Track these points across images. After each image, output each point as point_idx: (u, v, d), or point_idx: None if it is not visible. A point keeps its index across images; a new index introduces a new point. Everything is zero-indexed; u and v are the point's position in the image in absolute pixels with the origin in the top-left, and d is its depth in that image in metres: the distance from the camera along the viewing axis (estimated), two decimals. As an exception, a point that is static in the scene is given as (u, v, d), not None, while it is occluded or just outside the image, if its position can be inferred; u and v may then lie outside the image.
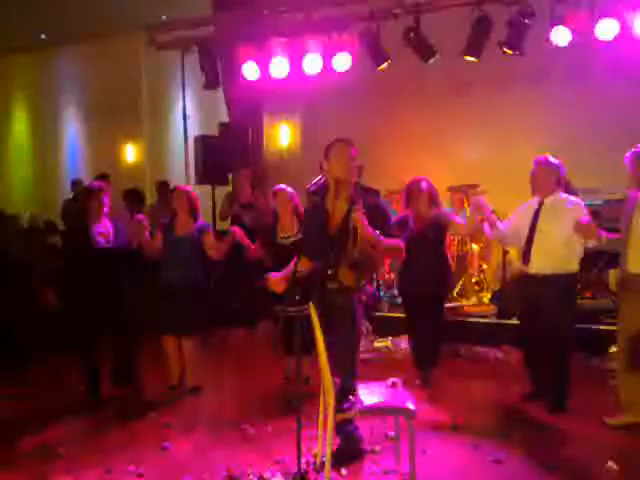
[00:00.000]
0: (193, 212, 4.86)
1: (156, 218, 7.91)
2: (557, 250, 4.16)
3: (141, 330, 5.10)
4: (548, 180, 4.23)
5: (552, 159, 4.28)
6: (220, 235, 5.24)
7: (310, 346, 4.55)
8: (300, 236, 4.72)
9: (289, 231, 4.83)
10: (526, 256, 4.26)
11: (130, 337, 4.98)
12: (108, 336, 4.87)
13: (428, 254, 4.62)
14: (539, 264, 4.20)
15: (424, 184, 4.73)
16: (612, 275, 5.60)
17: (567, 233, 4.11)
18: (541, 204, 4.27)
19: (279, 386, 4.84)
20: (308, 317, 4.48)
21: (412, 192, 4.74)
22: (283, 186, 4.95)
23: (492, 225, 4.45)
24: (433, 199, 4.73)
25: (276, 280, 3.55)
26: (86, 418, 4.51)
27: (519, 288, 4.64)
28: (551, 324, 4.17)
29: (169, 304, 4.69)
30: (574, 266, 4.23)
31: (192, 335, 4.81)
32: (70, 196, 8.79)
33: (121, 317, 4.81)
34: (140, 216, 4.89)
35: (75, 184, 8.78)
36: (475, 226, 4.72)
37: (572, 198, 4.31)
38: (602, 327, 5.50)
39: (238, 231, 4.89)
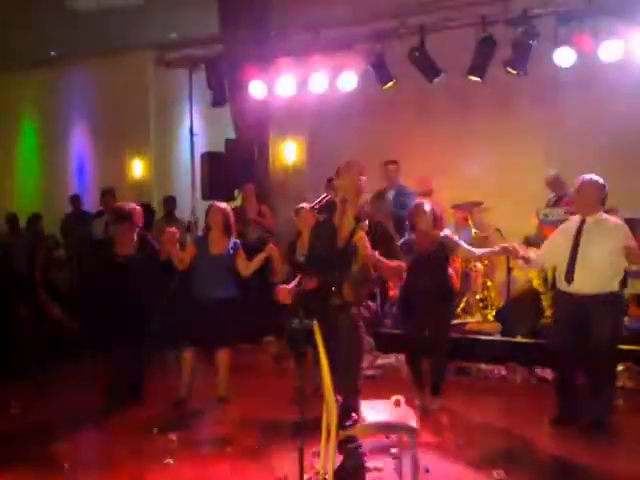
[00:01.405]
0: (227, 229, 4.87)
1: (162, 233, 8.02)
2: (601, 270, 4.12)
3: (160, 344, 5.13)
4: (592, 199, 4.18)
5: (597, 178, 4.22)
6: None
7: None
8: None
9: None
10: (569, 275, 4.19)
11: (146, 352, 5.03)
12: (123, 349, 4.90)
13: (432, 275, 4.64)
14: (583, 284, 4.15)
15: (427, 206, 4.78)
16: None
17: (610, 253, 4.07)
18: (583, 222, 4.21)
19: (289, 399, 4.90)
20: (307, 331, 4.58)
21: (415, 214, 4.78)
22: (305, 205, 5.01)
23: (526, 261, 4.46)
24: (436, 221, 4.77)
25: (285, 292, 3.62)
26: (91, 432, 4.52)
27: (559, 307, 4.52)
28: (598, 342, 4.12)
29: (201, 318, 4.72)
30: (615, 286, 4.18)
31: (228, 347, 4.88)
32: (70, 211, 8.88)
33: (140, 331, 4.87)
34: (172, 229, 4.92)
35: (73, 199, 8.88)
36: (488, 255, 4.75)
37: (613, 218, 4.27)
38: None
39: (275, 250, 4.85)
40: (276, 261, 4.86)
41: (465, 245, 4.85)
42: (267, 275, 5.37)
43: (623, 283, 5.53)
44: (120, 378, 4.91)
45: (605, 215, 4.25)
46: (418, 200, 4.97)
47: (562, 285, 4.29)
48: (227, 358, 4.89)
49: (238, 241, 4.97)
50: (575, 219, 4.31)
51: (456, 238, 4.87)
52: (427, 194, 6.82)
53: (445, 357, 4.87)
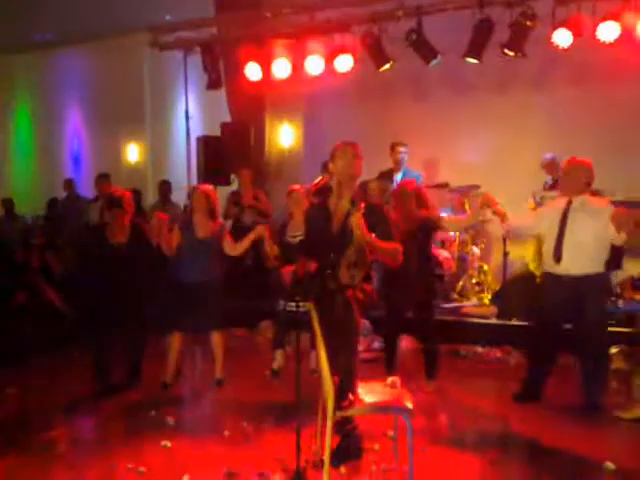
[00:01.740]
0: (211, 212, 4.86)
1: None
2: (587, 250, 4.18)
3: (153, 328, 5.15)
4: (578, 180, 4.24)
5: (584, 160, 4.28)
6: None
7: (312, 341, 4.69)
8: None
9: (299, 230, 4.87)
10: (557, 255, 4.25)
11: (144, 335, 5.06)
12: (122, 333, 4.94)
13: (416, 255, 4.59)
14: (571, 264, 4.21)
15: (410, 186, 4.79)
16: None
17: (596, 234, 4.14)
18: (569, 204, 4.27)
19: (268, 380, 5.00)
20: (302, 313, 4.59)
21: (399, 194, 4.79)
22: (298, 186, 5.02)
23: (503, 218, 4.48)
24: (421, 200, 4.77)
25: (289, 272, 3.65)
26: (88, 416, 4.54)
27: (547, 290, 4.54)
28: (588, 325, 4.20)
29: (187, 302, 4.74)
30: (602, 267, 4.24)
31: (220, 329, 4.90)
32: (65, 195, 8.85)
33: (138, 315, 4.90)
34: (162, 214, 4.93)
35: (67, 184, 8.84)
36: (473, 219, 4.80)
37: (598, 200, 4.32)
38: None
39: (264, 231, 4.83)
40: (266, 242, 4.84)
41: (447, 217, 4.87)
42: (264, 259, 5.37)
43: (618, 265, 5.62)
44: (105, 361, 4.92)
45: (590, 197, 4.31)
46: (404, 180, 5.00)
47: (550, 267, 4.34)
48: (221, 340, 4.92)
49: (224, 223, 4.97)
50: (562, 200, 4.34)
51: (440, 213, 4.90)
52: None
53: (435, 339, 4.90)
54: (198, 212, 4.87)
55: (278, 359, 5.14)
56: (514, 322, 5.99)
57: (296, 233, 4.90)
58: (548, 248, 4.34)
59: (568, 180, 4.32)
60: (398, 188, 4.92)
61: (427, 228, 4.73)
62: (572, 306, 4.24)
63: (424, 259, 4.74)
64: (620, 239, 4.08)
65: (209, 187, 5.05)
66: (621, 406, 4.17)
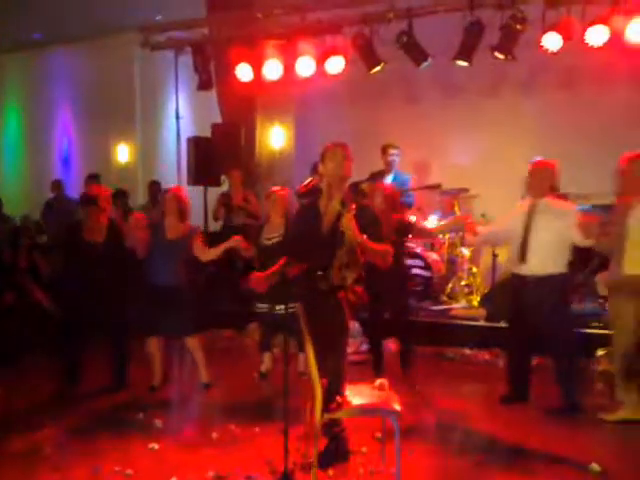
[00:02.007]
0: (182, 214, 4.82)
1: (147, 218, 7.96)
2: (551, 251, 4.26)
3: (135, 330, 5.10)
4: (543, 183, 4.34)
5: (549, 163, 4.41)
6: (212, 236, 5.28)
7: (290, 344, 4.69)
8: (282, 238, 4.81)
9: (275, 232, 4.92)
10: (522, 256, 4.33)
11: (126, 337, 5.01)
12: (104, 334, 4.92)
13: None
14: (536, 264, 4.29)
15: (384, 189, 4.82)
16: (600, 279, 5.68)
17: (559, 235, 4.23)
18: (534, 205, 4.35)
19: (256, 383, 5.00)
20: (287, 316, 4.57)
21: (370, 196, 4.83)
22: (278, 187, 5.01)
23: (474, 233, 4.61)
24: (395, 205, 4.80)
25: (258, 279, 3.62)
26: (74, 418, 4.51)
27: (510, 290, 4.67)
28: (552, 325, 4.28)
29: (158, 306, 4.70)
30: (564, 267, 4.33)
31: (194, 334, 4.85)
32: (52, 196, 8.79)
33: (118, 316, 4.87)
34: (138, 215, 4.88)
35: (55, 184, 8.78)
36: (442, 230, 4.99)
37: (562, 202, 4.42)
38: (590, 330, 5.56)
39: (241, 240, 4.80)
40: (242, 251, 4.84)
41: (421, 223, 4.92)
42: (250, 262, 5.37)
43: (606, 267, 5.65)
44: (73, 362, 4.88)
45: (553, 198, 4.41)
46: (378, 183, 5.04)
47: (516, 268, 4.42)
48: (197, 344, 4.86)
49: (195, 226, 4.93)
50: (526, 202, 4.44)
51: (414, 219, 4.98)
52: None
53: (409, 340, 4.99)
54: (169, 214, 4.82)
55: (266, 362, 5.13)
56: (503, 324, 6.00)
57: (272, 235, 4.92)
58: (514, 249, 4.42)
59: (533, 182, 4.41)
60: (371, 192, 4.97)
61: (401, 232, 4.79)
62: (537, 306, 4.30)
63: (398, 262, 4.78)
64: (586, 243, 4.17)
65: (181, 189, 5.02)
66: (605, 408, 4.18)
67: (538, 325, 4.32)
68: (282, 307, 4.75)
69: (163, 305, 4.68)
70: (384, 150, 6.89)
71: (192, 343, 4.86)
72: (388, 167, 6.86)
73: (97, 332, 4.88)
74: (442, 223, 5.29)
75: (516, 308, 4.52)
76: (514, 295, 4.54)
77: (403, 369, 4.90)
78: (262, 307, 5.01)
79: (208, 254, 4.90)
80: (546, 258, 4.27)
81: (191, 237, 4.84)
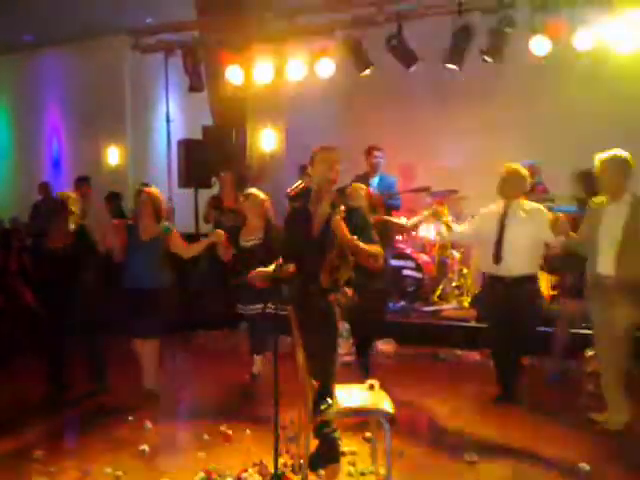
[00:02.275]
0: (156, 215, 4.76)
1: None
2: (525, 252, 4.40)
3: (108, 331, 5.07)
4: (516, 186, 4.49)
5: (521, 167, 4.55)
6: (197, 238, 5.28)
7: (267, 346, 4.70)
8: (261, 241, 4.83)
9: (252, 235, 4.91)
10: (497, 257, 4.46)
11: (98, 339, 4.95)
12: (80, 337, 4.86)
13: None
14: (509, 265, 4.42)
15: (362, 192, 4.85)
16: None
17: (531, 236, 4.37)
18: (507, 208, 4.49)
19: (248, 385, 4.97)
20: (268, 317, 4.51)
21: (349, 198, 4.87)
22: (255, 190, 4.98)
23: (448, 228, 4.73)
24: (373, 206, 4.88)
25: (259, 276, 3.64)
26: (63, 420, 4.50)
27: (488, 291, 4.81)
28: (523, 322, 4.42)
29: (133, 307, 4.64)
30: (536, 268, 4.52)
31: (153, 338, 4.74)
32: (40, 199, 8.72)
33: (91, 318, 4.81)
34: (116, 221, 4.87)
35: (43, 187, 8.72)
36: (416, 223, 5.08)
37: (533, 203, 4.55)
38: (579, 331, 5.60)
39: (220, 235, 4.79)
40: (220, 247, 4.81)
41: (394, 219, 4.96)
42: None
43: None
44: (56, 365, 4.84)
45: (527, 201, 4.55)
46: (355, 184, 5.07)
47: (489, 268, 4.56)
48: (150, 349, 4.76)
49: (170, 225, 4.86)
50: (499, 204, 4.57)
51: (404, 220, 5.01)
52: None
53: (372, 338, 5.16)
54: (144, 215, 4.77)
55: (257, 364, 5.11)
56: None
57: (249, 238, 4.91)
58: (487, 250, 4.53)
59: (506, 185, 4.53)
60: (349, 195, 5.00)
61: (382, 233, 4.84)
62: (510, 306, 4.42)
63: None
64: (557, 242, 4.28)
65: (155, 190, 4.94)
66: (595, 409, 4.21)
67: (513, 324, 4.45)
68: (257, 307, 4.80)
69: (137, 307, 4.61)
70: (368, 152, 6.83)
71: (148, 347, 4.74)
72: (372, 169, 6.82)
73: (73, 334, 4.82)
74: (415, 219, 5.35)
75: (493, 308, 4.65)
76: (490, 296, 4.70)
77: (361, 367, 4.92)
78: (243, 309, 4.98)
79: (189, 250, 4.86)
80: (520, 259, 4.40)
81: (167, 236, 4.76)
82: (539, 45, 6.01)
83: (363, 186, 4.79)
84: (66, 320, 4.73)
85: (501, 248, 4.43)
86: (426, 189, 6.93)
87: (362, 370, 4.83)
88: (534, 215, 4.41)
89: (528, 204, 4.52)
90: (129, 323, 4.70)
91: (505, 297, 4.45)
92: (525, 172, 4.56)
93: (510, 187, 4.50)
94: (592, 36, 5.81)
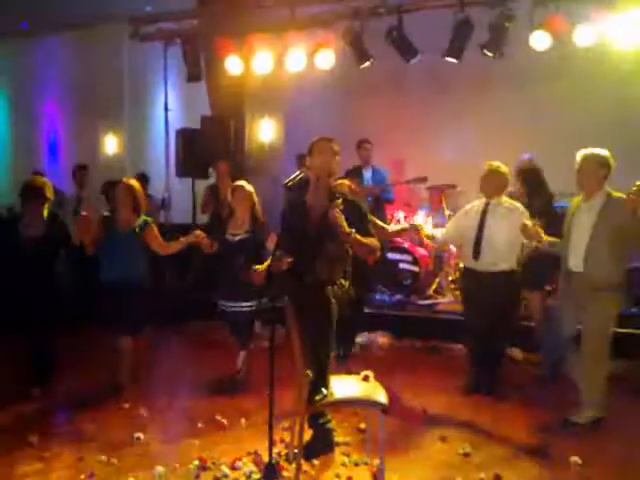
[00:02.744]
0: (136, 207, 4.67)
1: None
2: (503, 248, 4.52)
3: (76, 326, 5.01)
4: (497, 185, 4.60)
5: (502, 166, 4.64)
6: (200, 229, 5.23)
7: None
8: (249, 235, 4.76)
9: (240, 229, 4.80)
10: (476, 252, 4.58)
11: (49, 334, 4.69)
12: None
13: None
14: (488, 260, 4.54)
15: (345, 187, 4.84)
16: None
17: (509, 233, 4.47)
18: (487, 205, 4.62)
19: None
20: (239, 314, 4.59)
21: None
22: (243, 183, 4.89)
23: (431, 239, 4.87)
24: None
25: (258, 272, 3.62)
26: (59, 408, 4.51)
27: (466, 285, 4.91)
28: (499, 317, 4.54)
29: (109, 302, 4.56)
30: (514, 263, 4.58)
31: (130, 335, 4.67)
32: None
33: (47, 316, 4.59)
34: (85, 213, 4.70)
35: (35, 175, 8.67)
36: (395, 235, 5.13)
37: (514, 202, 4.63)
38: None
39: (202, 236, 4.69)
40: (203, 247, 4.72)
41: (379, 222, 4.98)
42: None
43: None
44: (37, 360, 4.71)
45: (506, 198, 4.66)
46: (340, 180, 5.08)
47: (469, 262, 4.69)
48: (126, 346, 4.66)
49: (149, 219, 4.76)
50: (480, 202, 4.69)
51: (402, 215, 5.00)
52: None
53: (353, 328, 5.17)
54: (122, 207, 4.66)
55: (241, 356, 4.94)
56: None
57: (237, 232, 4.78)
58: (468, 245, 4.65)
59: (487, 183, 4.63)
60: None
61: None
62: (488, 300, 4.53)
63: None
64: (536, 245, 4.28)
65: (135, 182, 4.83)
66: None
67: (489, 317, 4.56)
68: (238, 305, 4.75)
69: (115, 300, 4.52)
70: (360, 145, 6.81)
71: (125, 343, 4.65)
72: (365, 162, 6.83)
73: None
74: (398, 227, 5.41)
75: (471, 302, 4.76)
76: (468, 289, 4.82)
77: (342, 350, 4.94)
78: (225, 305, 4.85)
79: (167, 248, 4.78)
80: (498, 255, 4.51)
81: (145, 230, 4.68)
82: (539, 40, 6.00)
83: (346, 181, 4.76)
84: (33, 317, 4.54)
85: (480, 244, 4.55)
86: (423, 180, 6.93)
87: (340, 360, 4.84)
88: (512, 213, 4.52)
89: (508, 202, 4.62)
90: (108, 317, 4.57)
91: (482, 291, 4.55)
92: (506, 170, 4.66)
93: (490, 185, 4.61)
94: (593, 32, 5.80)
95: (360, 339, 6.00)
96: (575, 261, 4.01)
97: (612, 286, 3.94)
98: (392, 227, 5.26)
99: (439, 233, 4.92)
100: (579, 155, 4.08)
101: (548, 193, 5.27)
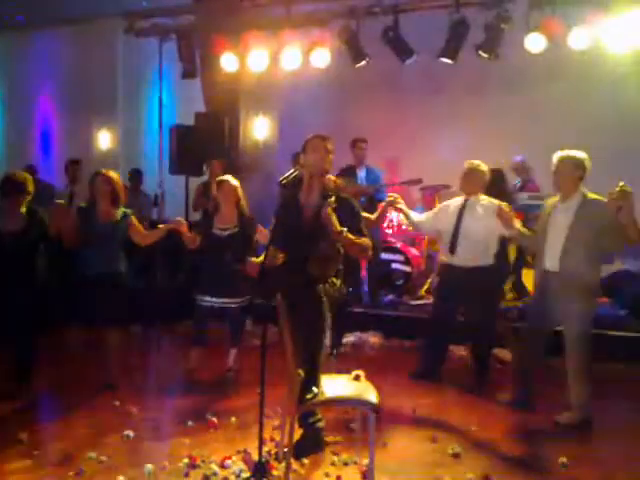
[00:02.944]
0: (115, 199, 4.58)
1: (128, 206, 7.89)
2: (479, 244, 4.67)
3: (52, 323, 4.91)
4: (475, 183, 4.75)
5: (481, 165, 4.78)
6: (192, 226, 5.21)
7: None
8: (237, 230, 4.75)
9: (228, 223, 4.78)
10: (452, 247, 4.74)
11: (29, 330, 4.55)
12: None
13: None
14: (464, 256, 4.69)
15: (331, 184, 4.84)
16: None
17: (485, 229, 4.63)
18: (466, 201, 4.77)
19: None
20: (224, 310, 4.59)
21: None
22: (228, 177, 4.87)
23: (406, 215, 4.94)
24: None
25: (253, 265, 3.67)
26: (49, 405, 4.48)
27: (442, 278, 5.07)
28: (477, 312, 4.71)
29: (91, 298, 4.50)
30: (491, 259, 4.73)
31: (111, 329, 4.64)
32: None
33: (25, 315, 4.47)
34: (61, 201, 4.61)
35: (28, 170, 8.60)
36: (377, 219, 5.08)
37: (492, 200, 4.72)
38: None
39: (182, 223, 4.68)
40: (184, 236, 4.69)
41: (366, 214, 4.98)
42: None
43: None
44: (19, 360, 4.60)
45: (484, 197, 4.79)
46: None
47: (447, 258, 4.86)
48: (114, 341, 4.64)
49: (128, 211, 4.69)
50: (459, 198, 4.85)
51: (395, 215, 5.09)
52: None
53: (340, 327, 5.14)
54: (101, 199, 4.57)
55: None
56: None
57: (226, 226, 4.76)
58: (445, 241, 4.82)
59: (466, 181, 4.78)
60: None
61: None
62: (464, 295, 4.70)
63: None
64: (509, 233, 4.42)
65: (114, 173, 4.71)
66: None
67: (464, 312, 4.74)
68: (228, 301, 4.74)
69: (97, 295, 4.47)
70: (355, 144, 6.76)
71: (112, 338, 4.63)
72: (359, 161, 6.80)
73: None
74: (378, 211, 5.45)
75: (443, 294, 4.92)
76: (442, 283, 5.00)
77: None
78: (205, 299, 4.80)
79: (147, 238, 4.73)
80: (474, 250, 4.66)
81: (125, 222, 4.62)
82: (534, 42, 6.01)
83: (332, 177, 4.77)
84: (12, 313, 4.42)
85: (457, 239, 4.70)
86: (418, 181, 6.93)
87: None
88: (488, 210, 4.63)
89: (486, 200, 4.74)
90: (91, 313, 4.51)
91: (458, 286, 4.69)
92: (485, 169, 4.77)
93: (469, 183, 4.75)
94: (588, 35, 5.82)
95: (352, 338, 6.02)
96: (551, 261, 4.09)
97: (587, 286, 4.00)
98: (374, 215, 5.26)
99: (415, 216, 5.01)
100: (555, 157, 4.16)
101: (508, 194, 5.54)
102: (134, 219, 4.70)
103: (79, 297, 4.59)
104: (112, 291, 4.52)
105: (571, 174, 4.05)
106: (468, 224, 4.70)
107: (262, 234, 4.73)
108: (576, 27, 5.82)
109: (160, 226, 4.76)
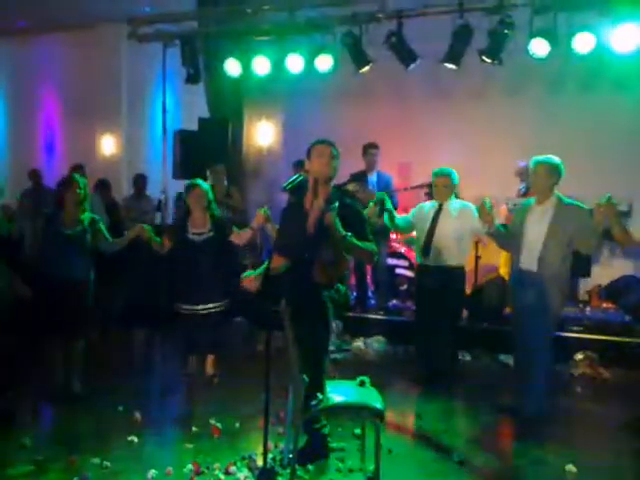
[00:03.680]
0: (83, 204, 4.54)
1: (131, 211, 7.91)
2: (452, 246, 4.84)
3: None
4: (448, 190, 4.93)
5: (451, 171, 4.94)
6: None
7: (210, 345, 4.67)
8: (213, 234, 4.70)
9: (203, 227, 4.72)
10: (426, 250, 4.91)
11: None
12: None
13: None
14: (437, 257, 4.86)
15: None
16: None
17: (459, 232, 4.83)
18: (441, 206, 4.94)
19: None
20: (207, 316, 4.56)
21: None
22: (199, 181, 4.83)
23: (391, 217, 5.00)
24: None
25: (250, 279, 3.61)
26: (54, 410, 4.47)
27: (418, 280, 5.24)
28: (446, 311, 4.83)
29: (57, 303, 4.44)
30: (463, 261, 4.94)
31: (81, 337, 4.60)
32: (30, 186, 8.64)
33: None
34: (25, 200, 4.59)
35: (32, 174, 8.61)
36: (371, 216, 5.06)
37: (466, 203, 4.95)
38: (568, 334, 5.65)
39: (142, 230, 4.62)
40: (152, 243, 4.65)
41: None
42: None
43: (587, 272, 5.95)
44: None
45: (458, 200, 5.02)
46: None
47: (420, 258, 5.03)
48: (78, 350, 4.58)
49: (96, 217, 4.65)
50: (435, 203, 5.02)
51: None
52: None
53: None
54: (68, 204, 4.51)
55: (191, 363, 4.91)
56: (484, 326, 6.08)
57: (200, 231, 4.69)
58: (420, 243, 4.98)
59: (440, 189, 4.93)
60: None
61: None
62: (436, 294, 4.80)
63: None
64: (484, 230, 4.46)
65: (82, 178, 4.66)
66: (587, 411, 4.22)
67: (437, 312, 4.81)
68: (206, 307, 4.67)
69: (62, 302, 4.41)
70: (365, 150, 6.78)
71: (79, 346, 4.59)
72: (370, 167, 6.80)
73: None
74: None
75: (420, 295, 5.10)
76: (420, 285, 5.13)
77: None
78: (185, 307, 4.72)
79: (112, 245, 4.69)
80: (447, 252, 4.84)
81: (92, 228, 4.58)
82: (538, 47, 6.00)
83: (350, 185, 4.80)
84: None
85: (430, 243, 4.87)
86: (425, 186, 6.91)
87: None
88: (462, 212, 4.86)
89: (459, 203, 4.95)
90: (57, 321, 4.44)
91: (432, 284, 4.83)
92: (456, 176, 4.95)
93: (442, 188, 4.91)
94: (592, 40, 5.80)
95: (357, 344, 6.01)
96: (529, 260, 4.19)
97: (562, 286, 4.17)
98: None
99: (398, 217, 5.09)
100: (532, 161, 4.27)
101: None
102: (102, 226, 4.66)
103: (45, 305, 4.46)
104: (77, 298, 4.47)
105: (547, 178, 4.17)
106: (442, 228, 4.86)
107: (237, 237, 4.72)
108: (580, 32, 5.80)
109: (125, 233, 4.72)
